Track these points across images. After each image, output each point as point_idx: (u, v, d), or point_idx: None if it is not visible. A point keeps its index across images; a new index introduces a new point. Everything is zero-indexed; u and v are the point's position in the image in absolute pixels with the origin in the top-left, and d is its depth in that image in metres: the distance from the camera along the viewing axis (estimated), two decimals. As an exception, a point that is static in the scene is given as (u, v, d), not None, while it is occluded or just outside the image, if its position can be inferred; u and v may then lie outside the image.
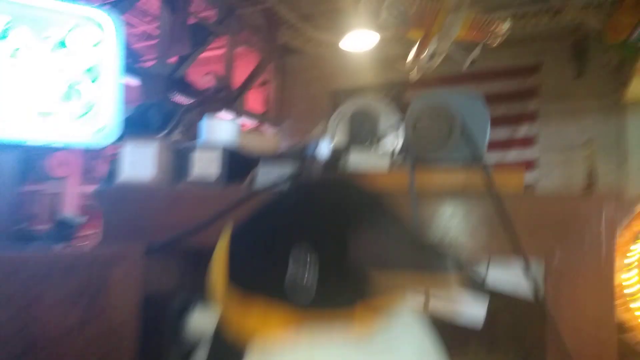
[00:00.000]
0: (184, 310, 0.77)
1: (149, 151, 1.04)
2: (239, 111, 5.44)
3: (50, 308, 0.88)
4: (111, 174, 1.15)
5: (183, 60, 4.54)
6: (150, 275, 0.94)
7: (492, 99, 4.80)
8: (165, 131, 1.69)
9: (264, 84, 6.14)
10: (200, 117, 1.36)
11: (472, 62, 3.14)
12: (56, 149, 3.06)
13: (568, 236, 0.87)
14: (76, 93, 1.37)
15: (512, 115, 4.64)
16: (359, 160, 1.01)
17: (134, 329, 0.96)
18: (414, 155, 0.97)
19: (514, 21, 3.15)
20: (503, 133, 4.60)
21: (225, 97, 5.18)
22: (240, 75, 5.36)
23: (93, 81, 1.39)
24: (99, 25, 1.39)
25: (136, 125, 1.66)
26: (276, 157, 1.08)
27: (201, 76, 5.09)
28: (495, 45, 3.21)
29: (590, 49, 4.31)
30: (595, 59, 4.29)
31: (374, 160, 1.02)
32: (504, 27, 3.08)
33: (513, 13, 3.89)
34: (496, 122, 4.65)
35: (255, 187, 1.05)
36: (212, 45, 4.98)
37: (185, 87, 4.59)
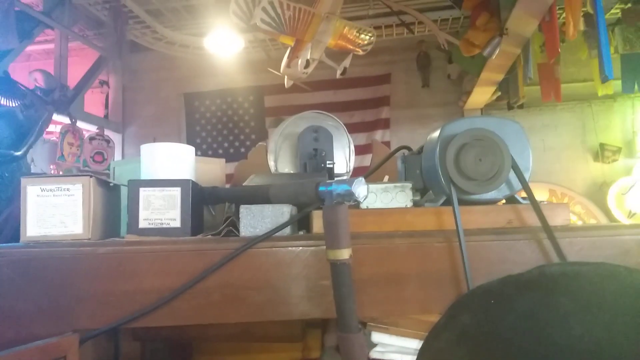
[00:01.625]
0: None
1: (71, 192, 0.71)
2: (76, 115, 4.77)
3: None
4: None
5: (3, 54, 3.77)
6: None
7: (350, 106, 5.00)
8: (23, 150, 1.31)
9: (103, 84, 5.48)
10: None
11: (344, 71, 3.17)
12: None
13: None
14: None
15: (368, 121, 4.87)
16: (375, 196, 0.86)
17: None
18: (457, 190, 0.84)
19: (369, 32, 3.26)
20: (361, 139, 4.80)
21: (59, 99, 4.48)
22: (77, 74, 4.68)
23: None
24: None
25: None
26: (254, 192, 0.84)
27: (27, 74, 4.30)
28: (362, 54, 3.31)
29: (432, 61, 4.76)
30: (438, 70, 4.75)
31: (392, 196, 0.88)
32: (370, 37, 3.18)
33: (369, 24, 4.06)
34: (355, 128, 4.89)
35: (241, 234, 0.80)
36: (41, 38, 4.24)
37: (7, 86, 3.81)
